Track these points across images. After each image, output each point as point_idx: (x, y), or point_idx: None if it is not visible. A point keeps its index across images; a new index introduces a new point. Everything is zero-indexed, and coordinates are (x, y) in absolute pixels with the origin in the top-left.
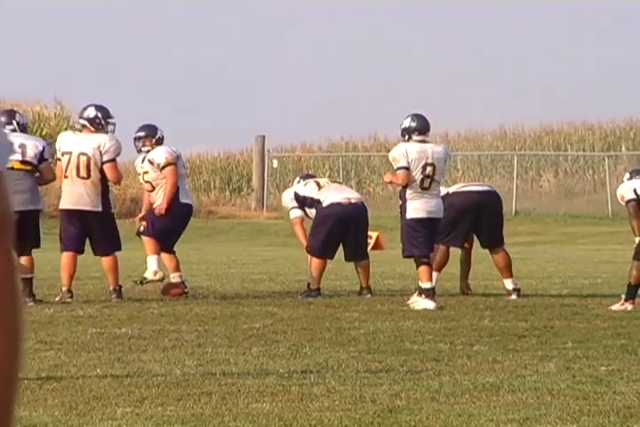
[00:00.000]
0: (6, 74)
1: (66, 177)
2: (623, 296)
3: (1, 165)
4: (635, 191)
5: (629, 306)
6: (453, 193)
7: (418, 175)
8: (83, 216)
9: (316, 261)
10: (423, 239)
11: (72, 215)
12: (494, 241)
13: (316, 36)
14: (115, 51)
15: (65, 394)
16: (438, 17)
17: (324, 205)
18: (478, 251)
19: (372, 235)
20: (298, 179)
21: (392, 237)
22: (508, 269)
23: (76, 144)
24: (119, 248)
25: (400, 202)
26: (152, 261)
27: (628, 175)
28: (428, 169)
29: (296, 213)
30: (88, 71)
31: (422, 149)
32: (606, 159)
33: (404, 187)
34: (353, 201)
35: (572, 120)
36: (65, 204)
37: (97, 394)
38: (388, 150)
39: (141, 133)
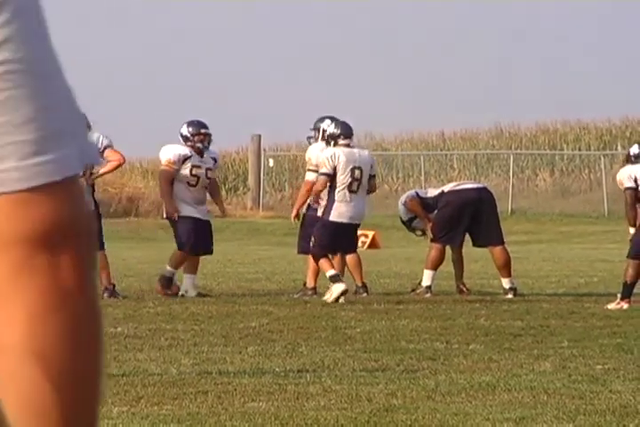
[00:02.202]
0: None
1: None
2: (619, 295)
3: (77, 167)
4: (635, 180)
5: (625, 305)
6: (449, 192)
7: (347, 178)
8: None
9: (312, 260)
10: (329, 242)
11: None
12: (493, 238)
13: (313, 36)
14: (113, 50)
15: None
16: (435, 17)
17: (318, 214)
18: (475, 249)
19: (369, 234)
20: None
21: (388, 236)
22: (506, 269)
23: None
24: (103, 247)
25: (325, 203)
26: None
27: (636, 147)
28: (357, 172)
29: (310, 177)
30: (86, 71)
31: (350, 152)
32: (602, 158)
33: (332, 189)
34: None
35: (567, 119)
36: None
37: None
38: (384, 149)
39: (209, 131)
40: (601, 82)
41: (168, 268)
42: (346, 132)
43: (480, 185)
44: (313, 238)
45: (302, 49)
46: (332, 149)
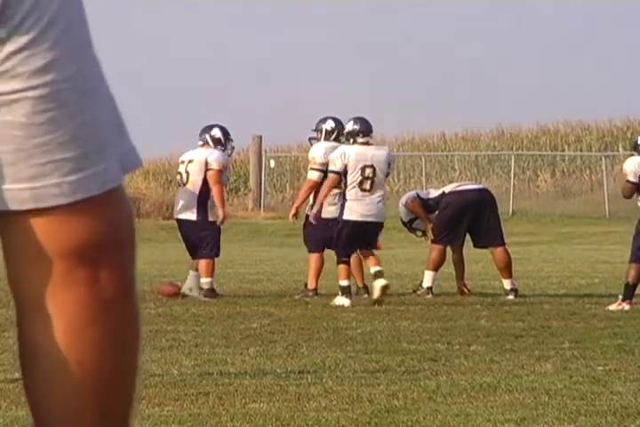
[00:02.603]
0: None
1: None
2: (620, 296)
3: (118, 178)
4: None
5: (626, 306)
6: (450, 193)
7: (357, 177)
8: None
9: (314, 260)
10: (348, 241)
11: None
12: (494, 239)
13: (315, 37)
14: (113, 50)
15: None
16: (436, 17)
17: (323, 216)
18: (476, 251)
19: None
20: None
21: (389, 237)
22: (507, 270)
23: None
24: None
25: (343, 200)
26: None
27: None
28: (368, 171)
29: (313, 176)
30: None
31: (362, 151)
32: (603, 159)
33: (345, 188)
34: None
35: (568, 120)
36: None
37: None
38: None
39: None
40: (602, 83)
41: (207, 279)
42: (365, 129)
43: (481, 186)
44: (334, 239)
45: (303, 49)
46: (342, 148)
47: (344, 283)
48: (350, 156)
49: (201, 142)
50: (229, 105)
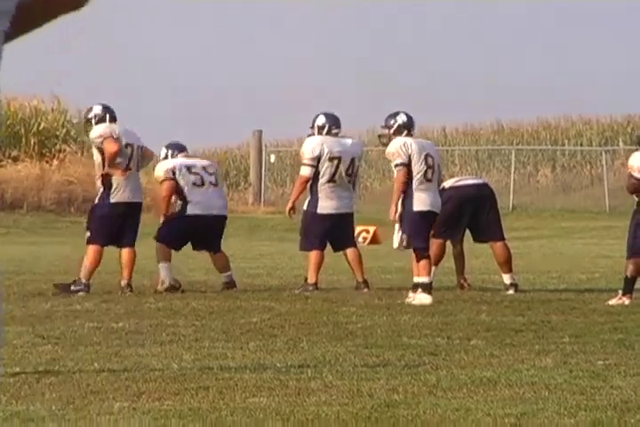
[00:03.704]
0: (3, 68)
1: (129, 169)
2: (620, 291)
3: None
4: None
5: (627, 300)
6: (450, 187)
7: (422, 166)
8: (132, 209)
9: (314, 255)
10: (426, 233)
11: (127, 209)
12: (494, 234)
13: (314, 32)
14: (112, 49)
15: (62, 388)
16: (435, 14)
17: (318, 211)
18: (476, 245)
19: (370, 229)
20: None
21: (390, 232)
22: (507, 264)
23: (133, 137)
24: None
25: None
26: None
27: None
28: (430, 160)
29: (306, 172)
30: (86, 68)
31: (419, 140)
32: (604, 154)
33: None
34: (342, 211)
35: (569, 115)
36: (129, 197)
37: (94, 388)
38: (386, 145)
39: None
40: (603, 77)
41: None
42: (413, 122)
43: (480, 181)
44: (406, 234)
45: (303, 45)
46: (401, 139)
47: (424, 280)
48: (412, 145)
49: (186, 153)
50: (230, 100)
